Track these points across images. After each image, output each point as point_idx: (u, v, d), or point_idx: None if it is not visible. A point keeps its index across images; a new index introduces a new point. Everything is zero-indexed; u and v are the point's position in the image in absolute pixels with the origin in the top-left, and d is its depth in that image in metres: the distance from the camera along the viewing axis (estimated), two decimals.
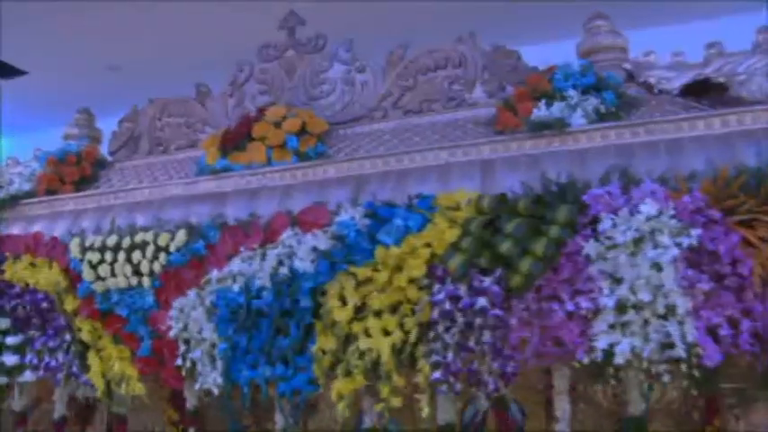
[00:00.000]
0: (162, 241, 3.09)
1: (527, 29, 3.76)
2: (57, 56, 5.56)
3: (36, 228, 3.56)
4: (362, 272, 2.72)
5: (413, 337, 2.70)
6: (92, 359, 3.20)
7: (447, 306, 2.60)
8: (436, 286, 2.65)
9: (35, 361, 3.29)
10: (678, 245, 2.42)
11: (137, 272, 3.13)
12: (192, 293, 3.00)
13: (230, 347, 2.92)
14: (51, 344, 3.26)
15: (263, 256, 2.89)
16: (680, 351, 2.43)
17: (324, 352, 2.81)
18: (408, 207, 2.75)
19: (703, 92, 3.19)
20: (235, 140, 3.56)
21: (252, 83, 3.91)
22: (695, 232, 2.41)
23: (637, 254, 2.47)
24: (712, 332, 2.44)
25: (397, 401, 2.74)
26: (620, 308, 2.50)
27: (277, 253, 2.84)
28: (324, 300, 2.80)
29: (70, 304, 3.24)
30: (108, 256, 3.16)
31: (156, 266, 3.09)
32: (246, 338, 2.90)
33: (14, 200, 3.75)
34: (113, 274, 3.16)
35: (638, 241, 2.47)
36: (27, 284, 3.34)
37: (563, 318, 2.56)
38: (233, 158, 3.46)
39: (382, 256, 2.69)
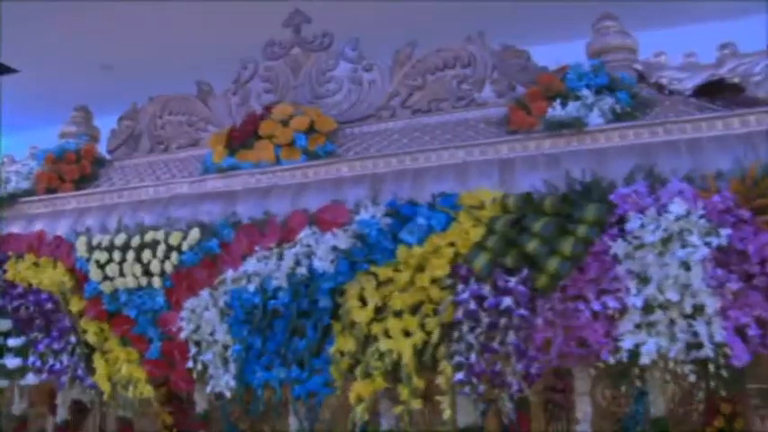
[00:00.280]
0: (173, 240, 3.01)
1: (532, 29, 3.75)
2: (50, 54, 5.44)
3: (37, 227, 3.47)
4: (383, 271, 2.67)
5: (435, 338, 2.65)
6: (98, 361, 3.11)
7: (472, 306, 2.56)
8: (460, 286, 2.61)
9: (38, 363, 3.19)
10: (707, 244, 2.40)
11: (147, 272, 3.04)
12: (204, 294, 2.93)
13: (244, 349, 2.86)
14: (56, 346, 3.16)
15: (280, 256, 2.82)
16: (708, 351, 2.42)
17: (342, 353, 2.76)
18: (431, 206, 2.70)
19: (716, 92, 3.19)
20: (241, 138, 3.50)
21: (256, 81, 3.85)
22: (725, 232, 2.39)
23: (665, 253, 2.46)
24: (740, 332, 2.43)
25: (416, 403, 2.70)
26: (647, 307, 2.48)
27: (295, 252, 2.77)
28: (342, 300, 2.75)
29: (76, 305, 3.15)
30: (116, 255, 3.08)
31: (168, 266, 3.00)
32: (261, 340, 2.84)
33: (13, 198, 3.65)
34: (122, 274, 3.07)
35: (666, 241, 2.46)
36: (30, 284, 3.23)
37: (588, 318, 2.53)
38: (240, 157, 3.40)
39: (404, 255, 2.65)
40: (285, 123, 3.49)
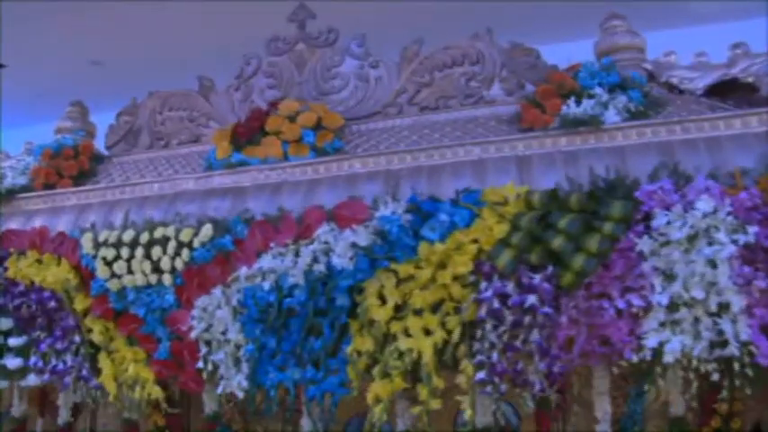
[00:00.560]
0: (184, 236, 2.92)
1: (534, 29, 3.72)
2: (41, 51, 5.32)
3: (36, 223, 3.37)
4: (404, 269, 2.62)
5: (455, 337, 2.61)
6: (103, 362, 3.02)
7: (495, 304, 2.52)
8: (483, 284, 2.56)
9: (40, 364, 3.08)
10: (734, 242, 2.39)
11: (156, 269, 2.95)
12: (216, 291, 2.86)
13: (257, 349, 2.79)
14: (59, 345, 3.06)
15: (297, 253, 2.75)
16: (733, 349, 2.40)
17: (359, 353, 2.71)
18: (453, 202, 2.66)
19: (727, 92, 3.20)
20: (247, 135, 3.44)
21: (260, 76, 3.79)
22: (752, 229, 2.38)
23: (690, 251, 2.44)
24: (766, 330, 2.42)
25: (436, 404, 2.66)
26: (672, 305, 2.46)
27: (313, 249, 2.71)
28: (360, 298, 2.70)
29: (80, 303, 3.05)
30: (124, 252, 2.99)
31: (178, 263, 2.92)
32: (276, 339, 2.77)
33: (10, 194, 3.54)
34: (130, 271, 2.98)
35: (692, 238, 2.44)
36: (32, 282, 3.13)
37: (613, 316, 2.51)
38: (247, 153, 3.34)
39: (426, 252, 2.60)
40: (292, 119, 3.43)
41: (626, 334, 2.53)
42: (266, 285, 2.75)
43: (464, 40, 3.57)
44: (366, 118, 3.58)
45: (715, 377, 2.48)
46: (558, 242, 2.49)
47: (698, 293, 2.42)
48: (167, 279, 2.94)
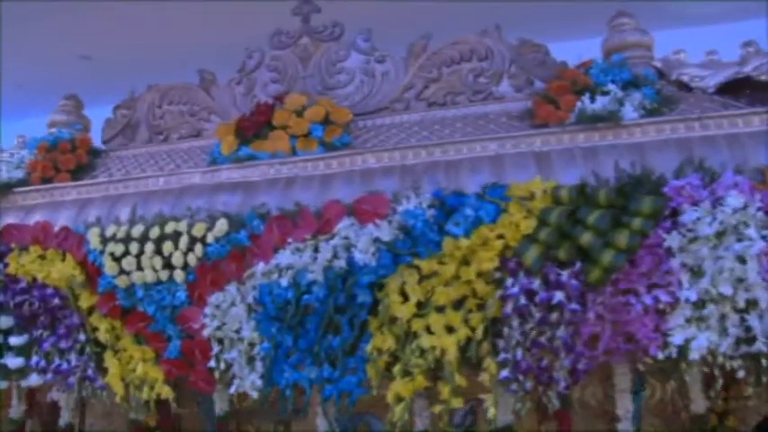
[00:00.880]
0: (197, 231, 2.84)
1: (536, 28, 3.69)
2: (26, 43, 5.17)
3: (34, 218, 3.25)
4: (428, 265, 2.57)
5: (479, 334, 2.57)
6: (109, 361, 2.92)
7: (522, 301, 2.49)
8: (509, 280, 2.53)
9: (42, 363, 2.97)
10: (764, 238, 2.38)
11: (167, 265, 2.86)
12: (231, 288, 2.78)
13: (273, 347, 2.72)
14: (62, 344, 2.95)
15: (316, 248, 2.68)
16: (761, 345, 2.40)
17: (380, 351, 2.65)
18: (479, 196, 2.61)
19: (737, 90, 3.20)
20: (253, 129, 3.36)
21: (263, 70, 3.72)
22: None
23: (718, 246, 2.43)
24: None
25: (457, 402, 2.61)
26: (699, 302, 2.45)
27: (333, 244, 2.64)
28: (381, 295, 2.64)
29: (86, 301, 2.95)
30: (133, 247, 2.89)
31: (191, 259, 2.83)
32: (292, 337, 2.70)
33: (6, 188, 3.42)
34: (139, 268, 2.88)
35: (720, 234, 2.43)
36: (34, 279, 3.01)
37: (639, 312, 2.48)
38: (255, 147, 3.26)
39: (450, 247, 2.55)
40: (299, 114, 3.37)
41: (651, 330, 2.51)
42: (284, 282, 2.68)
43: (472, 35, 3.54)
44: (372, 113, 3.53)
45: (741, 374, 2.47)
46: (586, 238, 2.46)
47: (726, 290, 2.41)
48: (179, 275, 2.84)
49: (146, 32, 5.15)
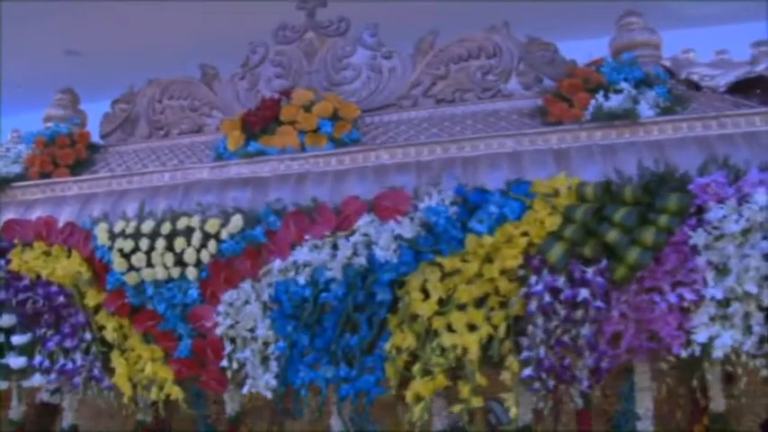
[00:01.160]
0: (210, 227, 2.76)
1: (540, 28, 3.68)
2: (13, 39, 5.05)
3: (35, 213, 3.16)
4: (450, 262, 2.53)
5: (501, 333, 2.53)
6: (116, 360, 2.83)
7: (547, 299, 2.45)
8: (533, 278, 2.49)
9: (46, 363, 2.87)
10: None
11: (179, 261, 2.78)
12: (245, 286, 2.71)
13: (288, 346, 2.65)
14: (68, 344, 2.86)
15: (334, 245, 2.63)
16: None
17: (399, 350, 2.60)
18: (503, 193, 2.58)
19: (747, 89, 3.20)
20: (259, 124, 3.29)
21: (267, 65, 3.65)
22: None
23: (744, 244, 2.41)
24: None
25: (478, 402, 2.57)
26: (724, 300, 2.43)
27: (354, 241, 2.59)
28: (401, 293, 2.59)
29: (93, 298, 2.86)
30: (143, 243, 2.80)
31: (204, 255, 2.76)
32: (309, 336, 2.64)
33: (5, 183, 3.31)
34: (150, 264, 2.80)
35: (746, 231, 2.42)
36: (38, 276, 2.92)
37: (664, 310, 2.46)
38: (264, 142, 3.19)
39: (474, 245, 2.51)
40: (307, 109, 3.31)
41: (675, 329, 2.49)
42: (301, 279, 2.62)
43: (480, 32, 3.51)
44: (379, 110, 3.49)
45: (764, 372, 2.47)
46: (612, 235, 2.44)
47: (751, 288, 2.39)
48: (192, 273, 2.77)
49: (143, 29, 5.06)
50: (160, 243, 2.78)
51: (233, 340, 2.73)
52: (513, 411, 2.56)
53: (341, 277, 2.59)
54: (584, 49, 3.58)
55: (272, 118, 3.31)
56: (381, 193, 2.71)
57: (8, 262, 2.94)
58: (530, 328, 2.49)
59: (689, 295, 2.45)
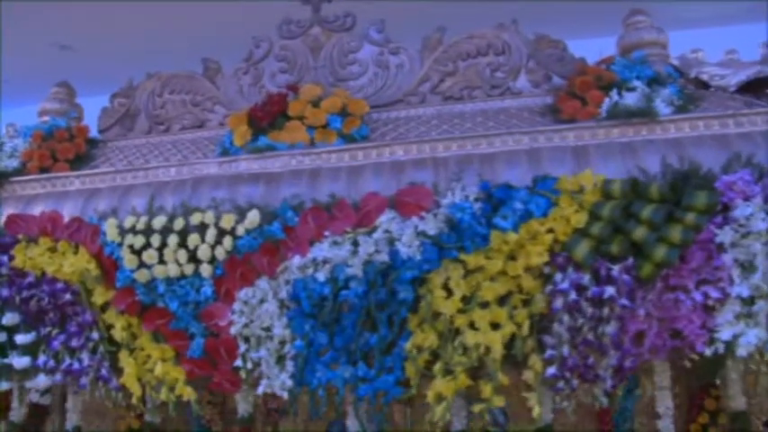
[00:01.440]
0: (225, 223, 2.69)
1: (541, 28, 3.66)
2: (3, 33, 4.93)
3: (36, 208, 3.06)
4: (474, 259, 2.48)
5: (524, 331, 2.49)
6: (125, 360, 2.74)
7: (573, 296, 2.42)
8: (558, 275, 2.46)
9: (51, 363, 2.78)
10: None
11: (193, 258, 2.70)
12: (262, 283, 2.64)
13: (306, 345, 2.59)
14: (74, 343, 2.76)
15: (355, 242, 2.57)
16: None
17: (420, 349, 2.55)
18: (529, 189, 2.54)
19: (757, 89, 3.21)
20: (267, 119, 3.23)
21: (271, 60, 3.58)
22: None
23: None
24: None
25: (499, 401, 2.53)
26: (749, 298, 2.42)
27: (376, 238, 2.53)
28: (423, 290, 2.54)
29: (101, 296, 2.76)
30: (155, 239, 2.72)
31: (219, 252, 2.68)
32: (327, 335, 2.58)
33: (3, 177, 3.20)
34: (162, 261, 2.71)
35: None
36: (43, 273, 2.81)
37: (689, 308, 2.45)
38: (273, 138, 3.12)
39: (498, 242, 2.47)
40: (315, 104, 3.25)
41: (698, 327, 2.48)
42: (321, 277, 2.55)
43: (489, 29, 3.48)
44: (387, 106, 3.44)
45: None
46: (640, 232, 2.41)
47: None
48: (206, 270, 2.69)
49: (134, 23, 4.96)
50: (172, 239, 2.70)
51: (247, 339, 2.66)
52: (535, 411, 2.52)
53: (361, 275, 2.53)
54: (585, 49, 3.56)
55: (280, 113, 3.25)
56: (402, 188, 2.66)
57: (11, 258, 2.84)
58: (554, 326, 2.45)
59: (714, 293, 2.44)
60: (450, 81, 3.44)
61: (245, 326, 2.64)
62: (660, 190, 2.45)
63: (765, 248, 2.40)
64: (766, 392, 3.16)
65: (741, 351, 2.44)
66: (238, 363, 2.67)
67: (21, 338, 2.80)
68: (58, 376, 2.79)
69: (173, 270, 2.71)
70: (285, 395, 2.64)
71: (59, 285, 2.78)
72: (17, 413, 2.97)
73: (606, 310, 2.43)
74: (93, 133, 3.66)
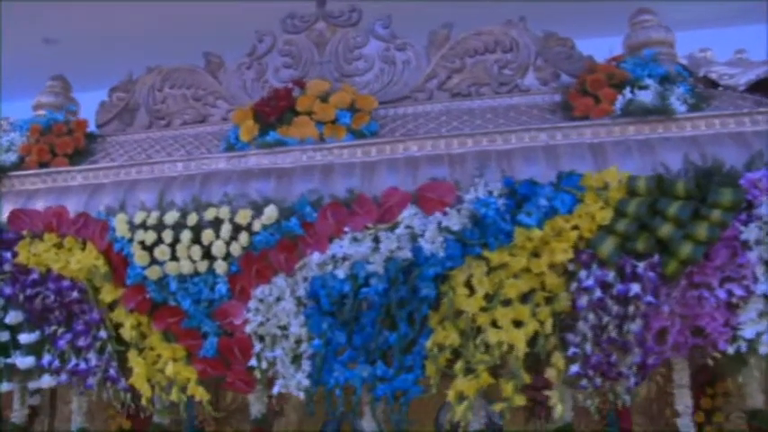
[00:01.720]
0: (241, 219, 2.62)
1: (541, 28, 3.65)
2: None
3: (37, 203, 2.96)
4: (497, 256, 2.44)
5: (547, 329, 2.46)
6: (134, 360, 2.66)
7: (598, 293, 2.39)
8: (583, 272, 2.43)
9: (56, 363, 2.68)
10: None
11: (207, 255, 2.62)
12: (279, 280, 2.57)
13: (324, 344, 2.53)
14: (80, 342, 2.67)
15: (376, 238, 2.51)
16: None
17: (441, 347, 2.50)
18: (554, 185, 2.51)
19: (765, 88, 3.22)
20: (274, 114, 3.16)
21: (275, 55, 3.52)
22: None
23: None
24: None
25: (520, 400, 2.50)
26: None
27: (398, 234, 2.48)
28: (445, 288, 2.49)
29: (109, 294, 2.67)
30: (167, 235, 2.64)
31: (235, 248, 2.61)
32: (346, 334, 2.52)
33: (2, 172, 3.10)
34: (174, 258, 2.63)
35: None
36: (48, 270, 2.72)
37: (712, 306, 2.43)
38: (281, 133, 3.06)
39: (522, 238, 2.43)
40: (323, 100, 3.19)
41: (721, 324, 2.46)
42: (340, 274, 2.49)
43: (496, 26, 3.45)
44: (393, 102, 3.39)
45: None
46: (666, 229, 2.39)
47: None
48: (221, 267, 2.61)
49: (119, 17, 4.86)
50: (186, 235, 2.62)
51: (262, 338, 2.59)
52: (558, 409, 2.49)
53: (382, 271, 2.47)
54: (589, 48, 3.55)
55: (287, 108, 3.18)
56: (425, 184, 2.61)
57: (14, 255, 2.73)
58: (579, 323, 2.42)
59: (738, 291, 2.43)
60: (457, 78, 3.41)
61: (261, 324, 2.57)
62: (686, 187, 2.43)
63: None
64: None
65: (764, 349, 2.43)
66: (253, 362, 2.59)
67: (24, 338, 2.70)
68: (64, 377, 2.70)
69: (186, 267, 2.63)
70: (301, 395, 2.56)
71: (65, 283, 2.69)
72: (19, 414, 2.86)
73: (631, 308, 2.40)
74: (91, 128, 3.57)
